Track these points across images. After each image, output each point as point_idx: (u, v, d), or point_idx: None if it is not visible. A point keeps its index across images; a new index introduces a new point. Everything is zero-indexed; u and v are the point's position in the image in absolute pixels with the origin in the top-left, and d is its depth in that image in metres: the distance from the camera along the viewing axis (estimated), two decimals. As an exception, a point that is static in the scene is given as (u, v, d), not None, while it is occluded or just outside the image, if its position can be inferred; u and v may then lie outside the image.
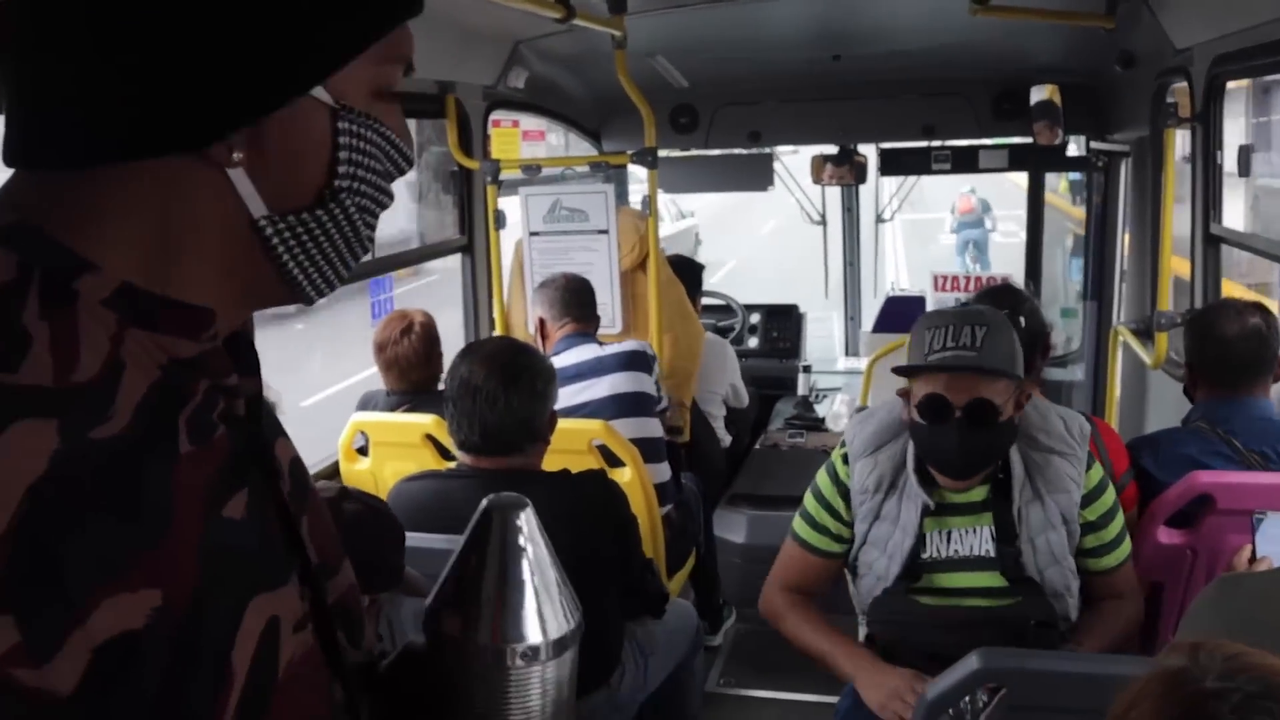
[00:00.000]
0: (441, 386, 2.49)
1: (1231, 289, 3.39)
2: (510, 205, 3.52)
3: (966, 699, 1.49)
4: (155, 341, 0.62)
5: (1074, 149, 4.03)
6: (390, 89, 0.70)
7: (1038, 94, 3.68)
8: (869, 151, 4.64)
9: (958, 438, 1.74)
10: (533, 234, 3.40)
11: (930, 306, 4.07)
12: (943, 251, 14.54)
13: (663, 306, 3.25)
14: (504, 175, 3.35)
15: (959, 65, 3.87)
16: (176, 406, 0.63)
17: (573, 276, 3.08)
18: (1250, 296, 2.96)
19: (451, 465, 2.15)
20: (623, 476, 2.64)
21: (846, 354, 5.38)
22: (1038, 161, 4.02)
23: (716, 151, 4.53)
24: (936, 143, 4.19)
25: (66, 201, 0.62)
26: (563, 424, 2.66)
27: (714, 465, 3.72)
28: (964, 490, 1.86)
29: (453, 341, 2.94)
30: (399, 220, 5.67)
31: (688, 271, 3.77)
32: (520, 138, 4.12)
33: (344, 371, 8.63)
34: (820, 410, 4.42)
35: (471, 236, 3.50)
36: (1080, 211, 5.35)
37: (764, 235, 18.23)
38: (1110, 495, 1.89)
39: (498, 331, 3.49)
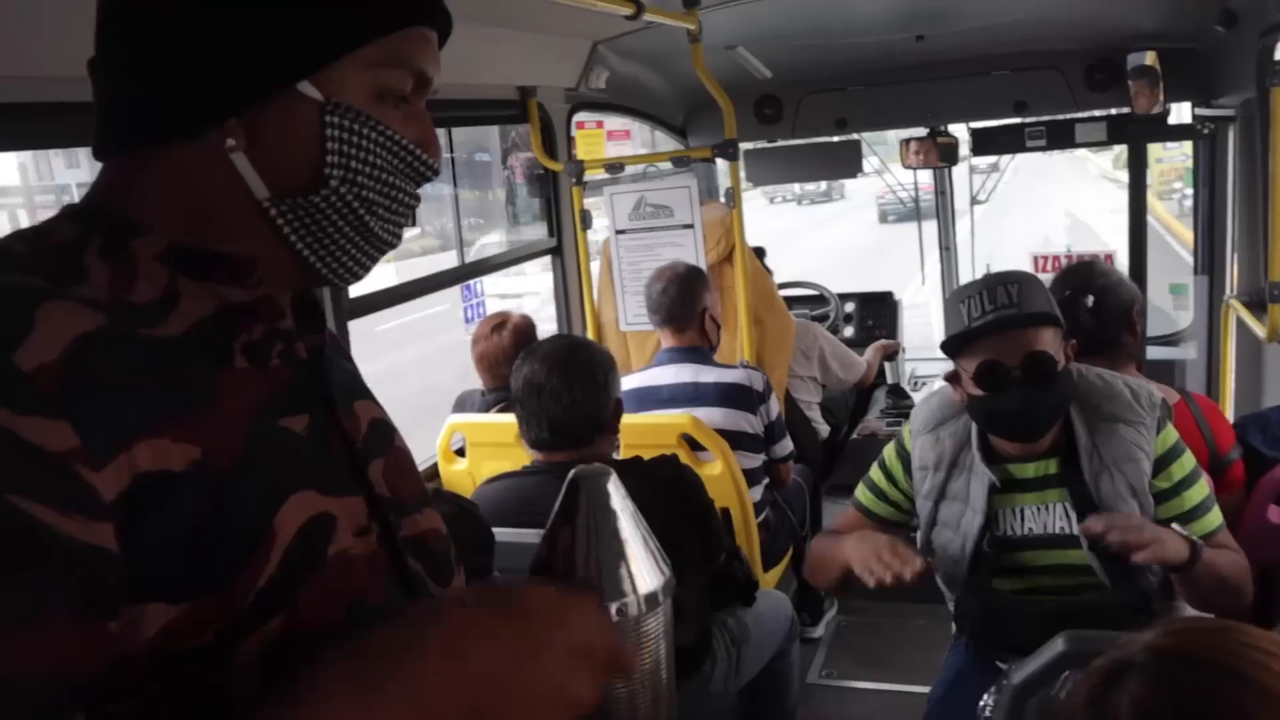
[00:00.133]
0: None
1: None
2: (596, 205, 3.56)
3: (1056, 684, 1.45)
4: (206, 289, 0.73)
5: (1176, 117, 3.86)
6: (397, 94, 0.76)
7: (1135, 60, 3.55)
8: (959, 131, 4.53)
9: (1021, 397, 1.71)
10: (619, 232, 3.44)
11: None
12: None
13: (750, 298, 3.25)
14: (588, 176, 3.40)
15: (1049, 37, 3.75)
16: (232, 335, 0.74)
17: (679, 273, 2.97)
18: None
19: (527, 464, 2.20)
20: (713, 469, 2.65)
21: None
22: (1138, 132, 3.85)
23: (803, 141, 4.48)
24: (1030, 119, 4.06)
25: (120, 184, 0.75)
26: (649, 418, 2.69)
27: (811, 455, 3.69)
28: (1033, 457, 1.82)
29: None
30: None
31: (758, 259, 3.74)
32: (605, 138, 4.15)
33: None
34: (919, 398, 4.34)
35: (560, 238, 3.56)
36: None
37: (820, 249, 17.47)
38: (1188, 462, 1.79)
39: (589, 332, 3.54)
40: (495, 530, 1.84)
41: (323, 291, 1.82)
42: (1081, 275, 2.26)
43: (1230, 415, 3.24)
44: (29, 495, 0.57)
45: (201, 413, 0.68)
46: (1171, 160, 14.49)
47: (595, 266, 3.59)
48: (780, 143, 4.52)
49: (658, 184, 3.50)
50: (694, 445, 2.66)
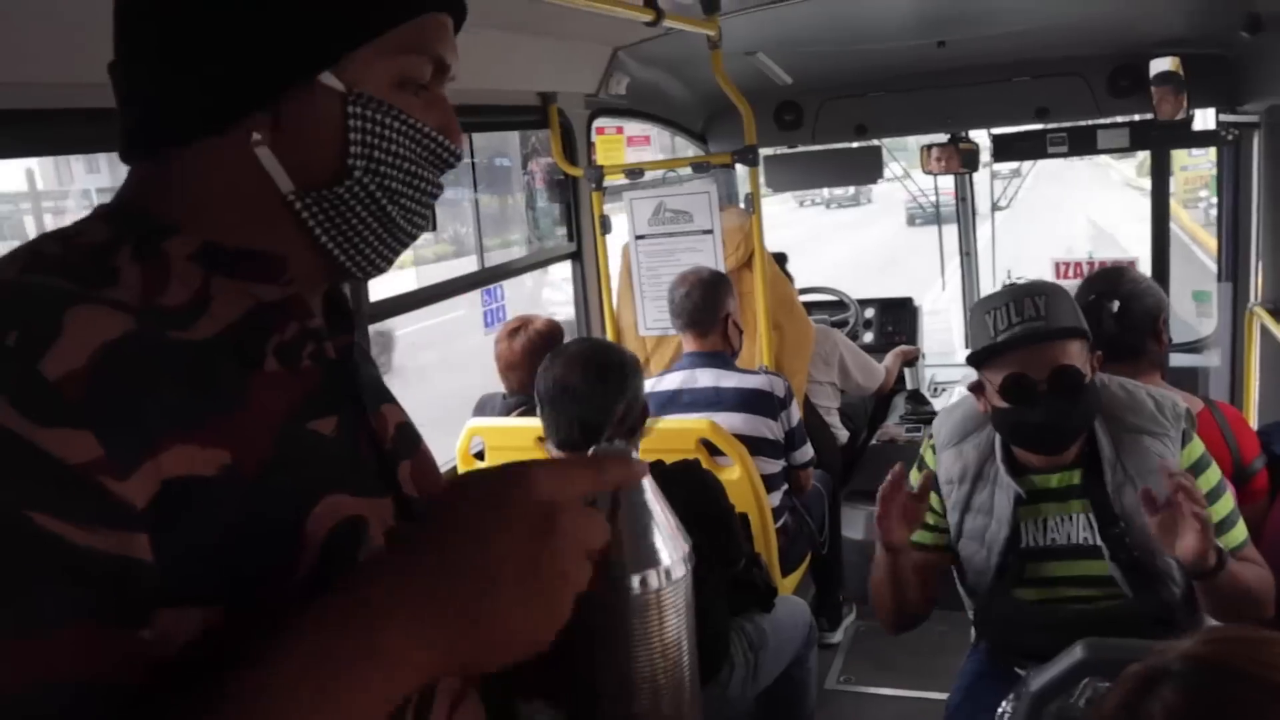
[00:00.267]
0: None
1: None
2: (616, 210, 3.57)
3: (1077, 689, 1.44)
4: (240, 287, 0.73)
5: (1200, 124, 3.84)
6: (417, 82, 0.76)
7: (1159, 66, 3.52)
8: (980, 138, 4.52)
9: (1047, 411, 1.70)
10: (639, 237, 3.45)
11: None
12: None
13: (769, 303, 3.25)
14: (608, 181, 3.41)
15: (1072, 42, 3.73)
16: (264, 336, 0.74)
17: (703, 278, 2.97)
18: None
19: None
20: (732, 474, 2.65)
21: (967, 346, 5.23)
22: (1161, 138, 3.83)
23: (823, 146, 4.48)
24: (1051, 125, 4.04)
25: (148, 185, 0.75)
26: (669, 423, 2.70)
27: (830, 461, 3.68)
28: (1058, 469, 1.81)
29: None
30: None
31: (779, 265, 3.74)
32: (625, 143, 4.16)
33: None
34: (939, 404, 4.33)
35: (580, 243, 3.57)
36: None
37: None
38: (1214, 475, 1.78)
39: (609, 336, 3.55)
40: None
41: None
42: (1109, 280, 2.25)
43: (1254, 422, 3.22)
44: (48, 511, 0.57)
45: (232, 417, 0.68)
46: (1197, 168, 14.36)
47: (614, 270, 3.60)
48: (800, 148, 4.52)
49: (677, 189, 3.51)
50: (713, 450, 2.66)
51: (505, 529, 0.63)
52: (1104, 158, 17.66)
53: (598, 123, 3.67)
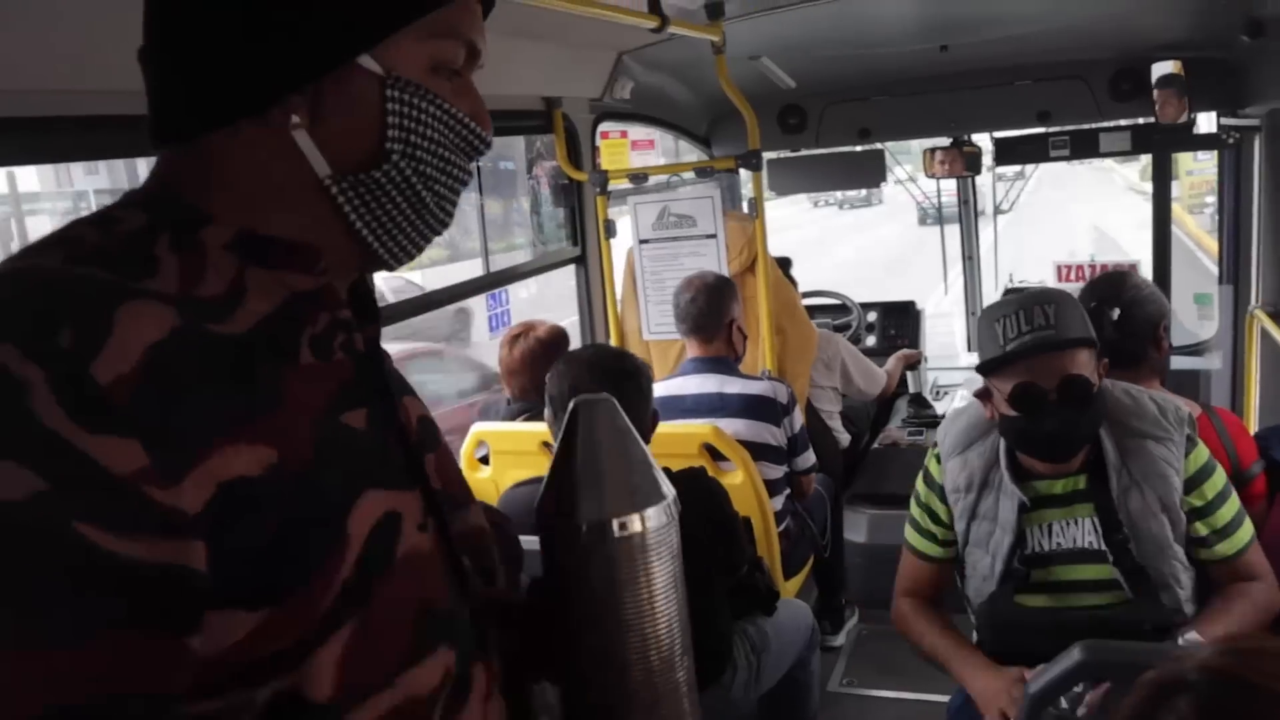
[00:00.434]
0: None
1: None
2: (620, 215, 3.59)
3: (1076, 689, 1.46)
4: (275, 277, 0.74)
5: (1202, 126, 3.85)
6: (451, 66, 0.77)
7: (1161, 69, 3.54)
8: (983, 141, 4.54)
9: (1057, 421, 1.71)
10: (643, 241, 3.46)
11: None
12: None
13: (772, 307, 3.26)
14: (612, 186, 3.42)
15: (1073, 47, 3.75)
16: (298, 328, 0.74)
17: (708, 283, 2.98)
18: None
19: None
20: (734, 478, 2.67)
21: (970, 349, 5.26)
22: (1163, 141, 3.84)
23: (826, 150, 4.50)
24: (1054, 129, 4.06)
25: (184, 173, 0.75)
26: (672, 428, 2.71)
27: (832, 464, 3.70)
28: (1064, 475, 1.82)
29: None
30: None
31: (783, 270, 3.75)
32: (629, 148, 4.18)
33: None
34: (941, 407, 4.35)
35: (584, 247, 3.59)
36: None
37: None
38: (1219, 479, 1.79)
39: (613, 340, 3.56)
40: (521, 536, 1.87)
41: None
42: (1111, 287, 2.24)
43: (1254, 425, 3.23)
44: (94, 522, 0.58)
45: (273, 414, 0.68)
46: (1203, 173, 14.26)
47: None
48: (804, 152, 4.53)
49: (681, 194, 3.52)
50: (716, 455, 2.68)
51: None
52: (1107, 162, 17.63)
53: (602, 127, 3.69)
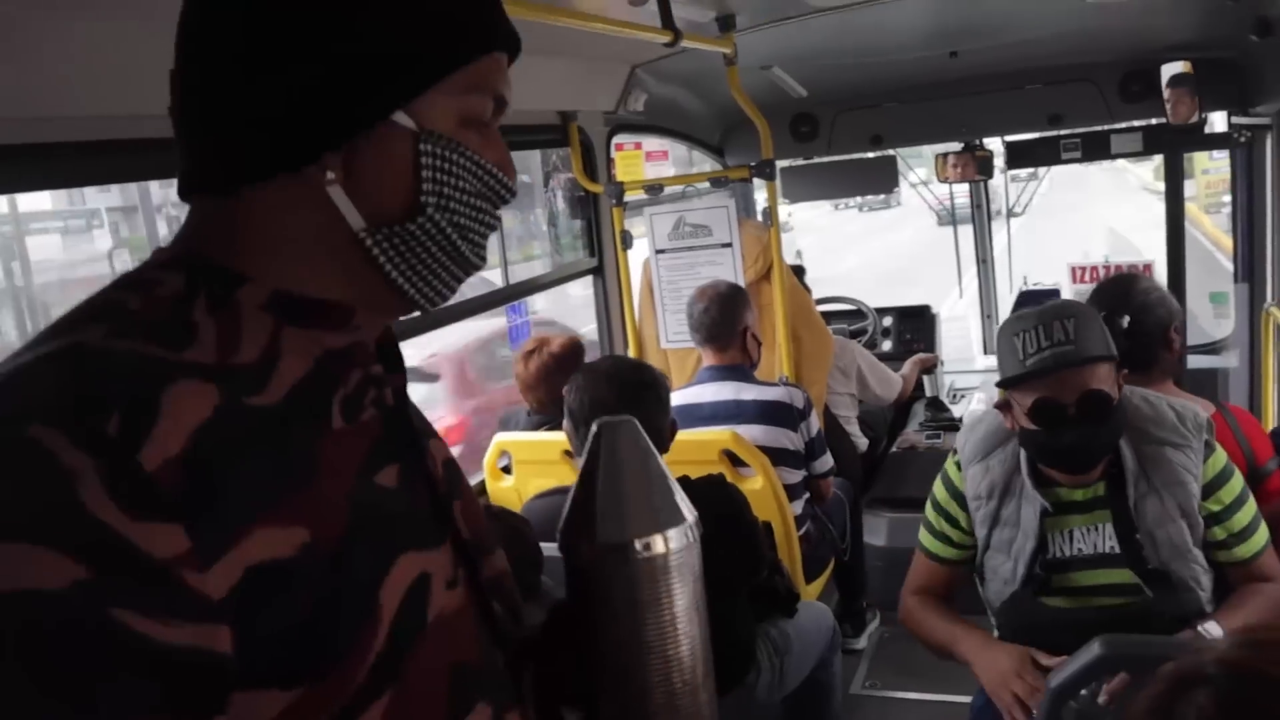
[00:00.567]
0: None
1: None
2: (636, 225, 3.63)
3: (1093, 685, 1.48)
4: (309, 336, 0.74)
5: (1212, 126, 3.86)
6: (480, 119, 0.78)
7: (1172, 69, 3.55)
8: (995, 145, 4.56)
9: (1077, 436, 1.72)
10: (659, 252, 3.50)
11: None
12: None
13: (788, 314, 3.30)
14: (628, 197, 3.46)
15: (1083, 49, 3.77)
16: (330, 390, 0.75)
17: (720, 292, 3.00)
18: None
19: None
20: (754, 483, 2.70)
21: (985, 352, 5.28)
22: (1174, 142, 3.86)
23: (838, 158, 4.53)
24: (1065, 131, 4.08)
25: (217, 228, 0.75)
26: (691, 435, 2.75)
27: (850, 468, 3.72)
28: (1084, 486, 1.83)
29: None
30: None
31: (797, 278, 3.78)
32: (643, 159, 4.22)
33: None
34: (958, 410, 4.36)
35: (601, 258, 3.63)
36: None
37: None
38: (1237, 484, 1.81)
39: (631, 350, 3.60)
40: (543, 545, 1.91)
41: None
42: (1119, 294, 2.23)
43: (1272, 422, 3.24)
44: (132, 608, 0.58)
45: (309, 489, 0.68)
46: (1219, 172, 14.12)
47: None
48: (816, 160, 4.56)
49: (696, 204, 3.56)
50: (735, 461, 2.71)
51: None
52: (1121, 162, 17.55)
53: (616, 139, 3.73)
